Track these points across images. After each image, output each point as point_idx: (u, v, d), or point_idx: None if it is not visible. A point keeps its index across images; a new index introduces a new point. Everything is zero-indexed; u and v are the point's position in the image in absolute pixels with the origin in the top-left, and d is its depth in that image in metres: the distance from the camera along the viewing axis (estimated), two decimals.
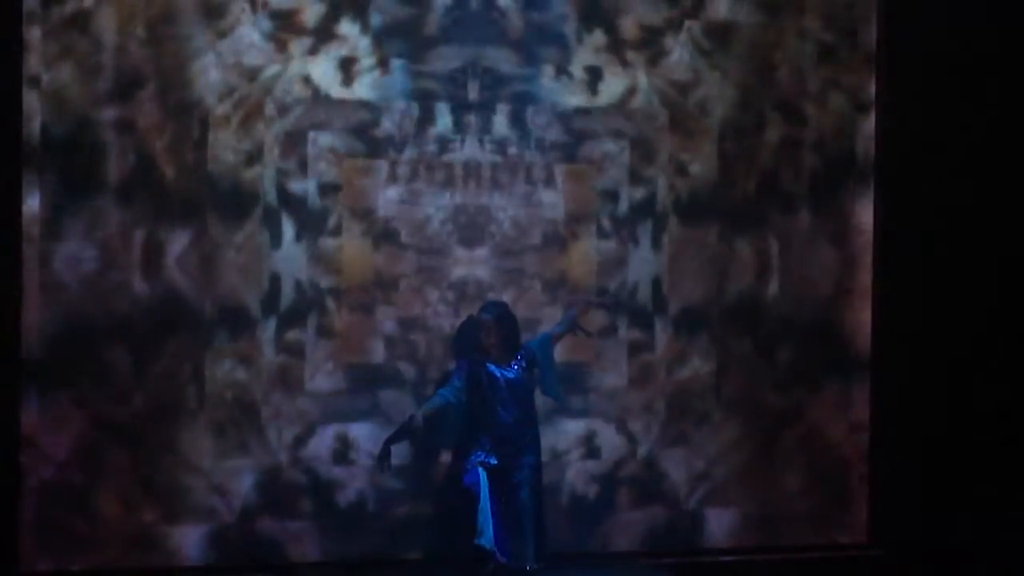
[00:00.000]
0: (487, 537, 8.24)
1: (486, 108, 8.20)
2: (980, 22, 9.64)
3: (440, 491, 8.61)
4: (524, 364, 8.43)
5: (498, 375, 8.38)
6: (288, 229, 8.16)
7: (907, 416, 9.64)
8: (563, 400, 8.71)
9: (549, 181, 8.47)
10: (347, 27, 8.06)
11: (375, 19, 7.98)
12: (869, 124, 9.50)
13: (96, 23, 7.63)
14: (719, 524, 9.49)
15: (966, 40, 9.59)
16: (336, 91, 8.09)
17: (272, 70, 7.99)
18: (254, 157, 7.99)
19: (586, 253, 8.65)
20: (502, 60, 8.21)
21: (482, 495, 8.25)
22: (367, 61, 8.08)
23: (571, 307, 8.66)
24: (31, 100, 7.46)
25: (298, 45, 7.98)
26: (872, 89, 9.39)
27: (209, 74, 7.78)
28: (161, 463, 8.52)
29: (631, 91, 8.49)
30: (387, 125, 8.19)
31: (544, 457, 8.58)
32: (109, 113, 7.75)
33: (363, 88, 8.12)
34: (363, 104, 8.14)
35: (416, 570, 8.82)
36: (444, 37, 8.20)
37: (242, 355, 8.07)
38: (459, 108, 8.23)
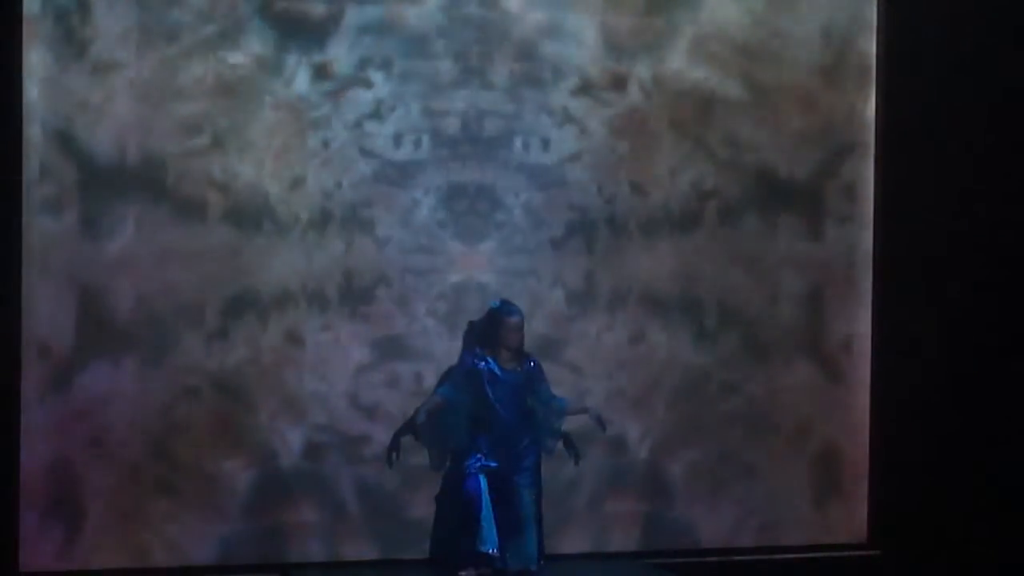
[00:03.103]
0: (492, 542, 8.22)
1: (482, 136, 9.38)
2: (980, 23, 9.71)
3: (439, 495, 8.59)
4: (529, 372, 8.41)
5: (500, 373, 8.33)
6: (331, 234, 9.17)
7: (907, 416, 9.65)
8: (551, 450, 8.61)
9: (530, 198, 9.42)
10: (372, 76, 9.22)
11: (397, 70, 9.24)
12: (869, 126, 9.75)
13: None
14: (720, 523, 9.54)
15: (967, 50, 9.69)
16: (369, 127, 9.21)
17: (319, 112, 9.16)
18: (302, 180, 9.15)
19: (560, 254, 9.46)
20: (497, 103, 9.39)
21: (484, 501, 8.22)
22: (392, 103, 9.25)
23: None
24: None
25: (340, 95, 9.17)
26: (873, 96, 9.74)
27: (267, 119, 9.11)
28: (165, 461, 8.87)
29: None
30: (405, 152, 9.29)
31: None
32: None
33: (389, 125, 9.25)
34: (389, 137, 9.26)
35: (415, 571, 8.82)
36: (452, 82, 9.27)
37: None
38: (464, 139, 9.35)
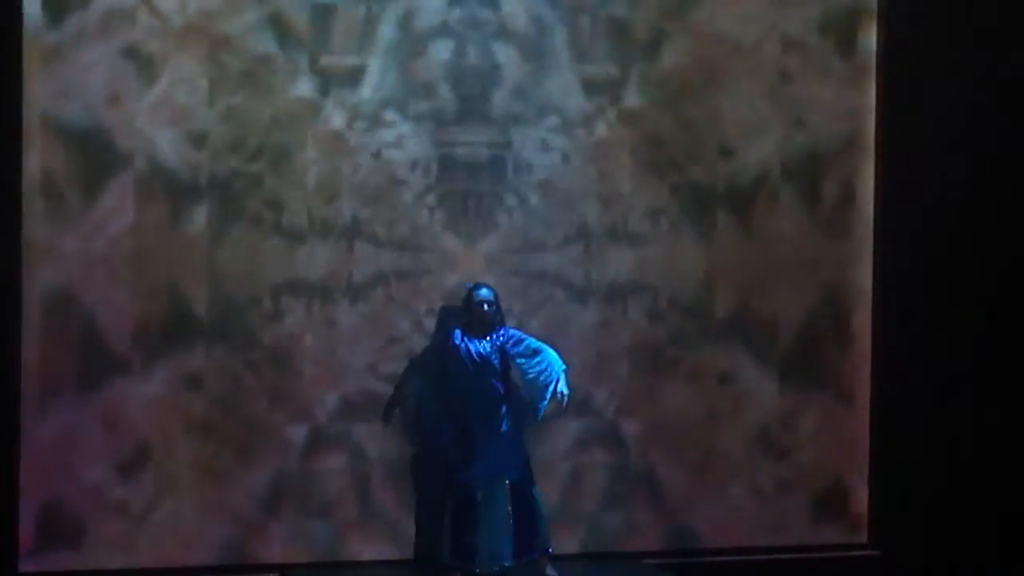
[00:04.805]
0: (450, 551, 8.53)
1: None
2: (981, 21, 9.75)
3: (419, 502, 8.79)
4: (499, 344, 8.59)
5: (458, 341, 8.58)
6: (331, 234, 9.22)
7: (907, 416, 9.66)
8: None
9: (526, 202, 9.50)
10: (392, 115, 9.30)
11: (412, 109, 9.33)
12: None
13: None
14: (719, 523, 9.55)
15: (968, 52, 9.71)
16: (390, 155, 9.31)
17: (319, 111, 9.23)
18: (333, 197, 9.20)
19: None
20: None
21: (472, 507, 8.45)
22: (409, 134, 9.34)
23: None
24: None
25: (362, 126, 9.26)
26: (873, 96, 9.78)
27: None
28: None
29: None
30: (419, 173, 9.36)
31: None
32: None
33: (406, 151, 9.32)
34: (406, 161, 9.32)
35: (415, 571, 8.84)
36: (457, 118, 9.37)
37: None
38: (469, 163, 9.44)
